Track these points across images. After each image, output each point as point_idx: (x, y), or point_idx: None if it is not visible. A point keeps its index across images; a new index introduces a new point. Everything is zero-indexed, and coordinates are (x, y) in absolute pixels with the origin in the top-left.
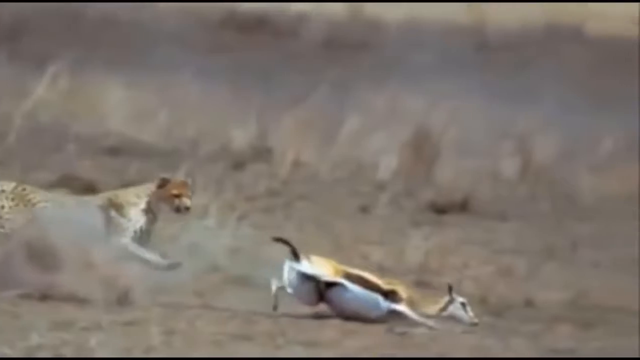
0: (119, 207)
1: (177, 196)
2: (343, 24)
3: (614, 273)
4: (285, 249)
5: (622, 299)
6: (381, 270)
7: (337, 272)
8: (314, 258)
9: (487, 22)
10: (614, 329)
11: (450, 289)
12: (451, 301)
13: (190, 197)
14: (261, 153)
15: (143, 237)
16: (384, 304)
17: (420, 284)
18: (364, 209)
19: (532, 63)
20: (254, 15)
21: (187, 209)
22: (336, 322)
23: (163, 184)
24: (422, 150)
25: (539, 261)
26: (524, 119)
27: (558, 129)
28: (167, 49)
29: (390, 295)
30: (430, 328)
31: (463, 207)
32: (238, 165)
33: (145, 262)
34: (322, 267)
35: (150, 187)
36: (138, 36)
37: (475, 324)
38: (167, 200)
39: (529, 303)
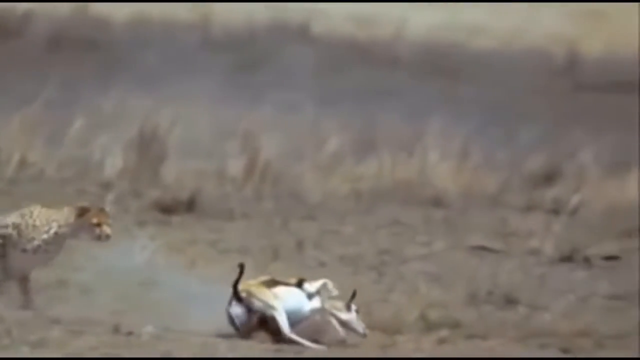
0: (22, 230)
1: (98, 225)
2: (69, 22)
3: (339, 272)
4: None
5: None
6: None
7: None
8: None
9: (212, 21)
10: None
11: (353, 295)
12: (350, 307)
13: (110, 225)
14: None
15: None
16: (306, 300)
17: (148, 284)
18: None
19: (257, 62)
20: None
21: (108, 237)
22: (64, 322)
23: (82, 212)
24: (148, 150)
25: (265, 261)
26: (250, 118)
27: (283, 128)
28: None
29: (299, 283)
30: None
31: (189, 206)
32: None
33: None
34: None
35: (67, 213)
36: None
37: (364, 335)
38: (88, 229)
39: None
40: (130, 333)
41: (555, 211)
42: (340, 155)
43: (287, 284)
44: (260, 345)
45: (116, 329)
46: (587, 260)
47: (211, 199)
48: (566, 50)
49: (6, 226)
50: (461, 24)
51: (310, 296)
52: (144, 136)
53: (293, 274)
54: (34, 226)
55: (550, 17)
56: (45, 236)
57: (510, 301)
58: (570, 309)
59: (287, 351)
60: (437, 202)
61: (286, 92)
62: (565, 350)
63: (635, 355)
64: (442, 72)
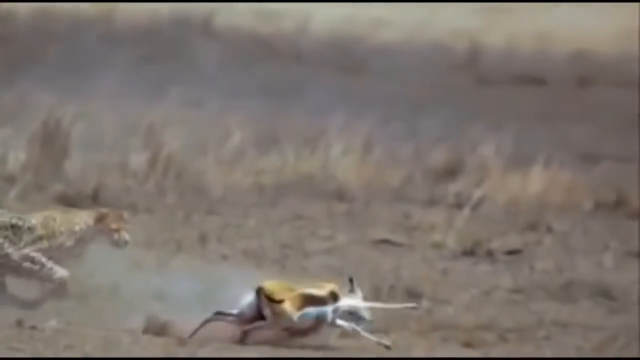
0: (52, 234)
1: (117, 230)
2: None
3: (242, 266)
4: None
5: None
6: None
7: (288, 295)
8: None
9: (116, 15)
10: None
11: (351, 281)
12: (352, 289)
13: (128, 231)
14: None
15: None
16: (331, 310)
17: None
18: None
19: (161, 56)
20: None
21: (126, 242)
22: None
23: (101, 218)
24: (51, 144)
25: (169, 254)
26: (153, 112)
27: (187, 122)
28: None
29: (332, 296)
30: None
31: (93, 200)
32: None
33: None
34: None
35: (86, 218)
36: None
37: (372, 322)
38: (106, 235)
39: (158, 296)
40: (33, 327)
41: (458, 205)
42: (243, 149)
43: (322, 303)
44: (161, 339)
45: (19, 323)
46: (489, 254)
47: (114, 193)
48: (468, 44)
49: (35, 240)
50: (365, 17)
51: (336, 310)
52: (48, 130)
53: (195, 267)
54: (61, 232)
55: (452, 11)
56: (71, 242)
57: (413, 295)
58: (473, 303)
59: (191, 344)
60: (340, 196)
61: (189, 86)
62: (467, 344)
63: (534, 349)
64: (345, 66)
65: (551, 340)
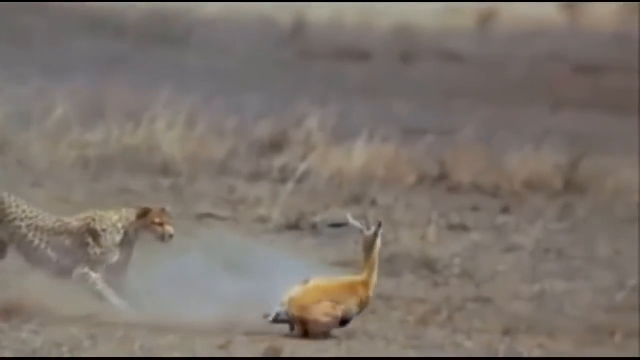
0: (95, 235)
1: (160, 224)
2: None
3: None
4: None
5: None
6: None
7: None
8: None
9: None
10: None
11: (379, 225)
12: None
13: (172, 225)
14: None
15: (119, 269)
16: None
17: None
18: None
19: None
20: None
21: (171, 236)
22: None
23: (144, 213)
24: None
25: None
26: None
27: (10, 96)
28: None
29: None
30: None
31: None
32: None
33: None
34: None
35: (127, 214)
36: None
37: None
38: (150, 230)
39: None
40: None
41: (283, 179)
42: (67, 123)
43: (347, 322)
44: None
45: None
46: (314, 228)
47: None
48: (292, 18)
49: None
50: None
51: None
52: None
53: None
54: (103, 230)
55: None
56: (118, 239)
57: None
58: None
59: (16, 319)
60: (165, 170)
61: (12, 59)
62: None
63: (359, 322)
64: (169, 39)
65: (375, 314)
